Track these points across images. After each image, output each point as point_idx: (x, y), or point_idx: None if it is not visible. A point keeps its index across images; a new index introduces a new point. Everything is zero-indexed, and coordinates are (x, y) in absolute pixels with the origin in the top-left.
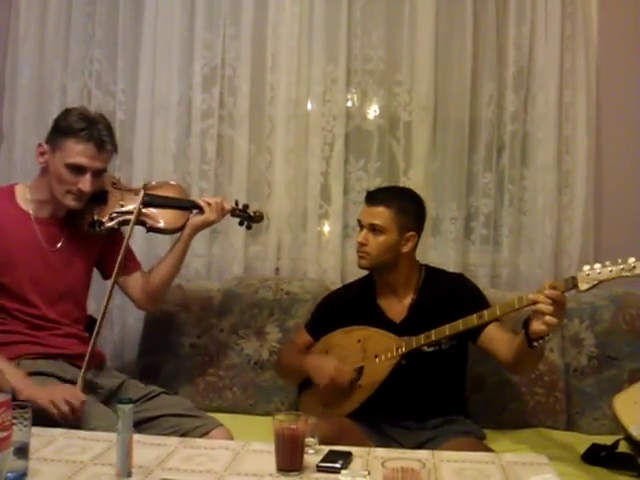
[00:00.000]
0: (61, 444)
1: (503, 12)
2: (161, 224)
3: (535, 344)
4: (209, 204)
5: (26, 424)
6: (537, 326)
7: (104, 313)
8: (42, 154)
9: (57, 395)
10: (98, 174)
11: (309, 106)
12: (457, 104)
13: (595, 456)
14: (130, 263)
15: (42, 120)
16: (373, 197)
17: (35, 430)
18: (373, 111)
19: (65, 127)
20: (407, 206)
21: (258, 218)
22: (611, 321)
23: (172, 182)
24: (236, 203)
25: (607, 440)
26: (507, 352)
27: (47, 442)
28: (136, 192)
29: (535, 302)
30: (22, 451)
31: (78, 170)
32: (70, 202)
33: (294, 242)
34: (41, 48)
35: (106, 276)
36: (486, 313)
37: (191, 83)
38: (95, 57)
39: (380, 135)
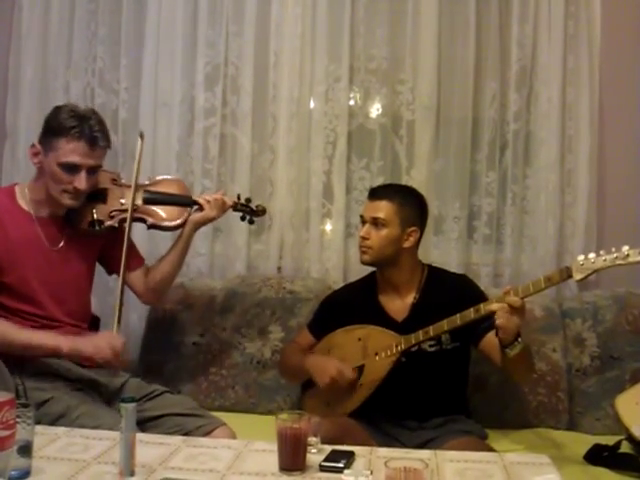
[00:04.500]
0: (64, 442)
1: (506, 11)
2: (161, 221)
3: (507, 350)
4: (208, 201)
5: (29, 422)
6: (498, 332)
7: (120, 306)
8: (35, 154)
9: (99, 342)
10: (93, 171)
11: (312, 105)
12: (460, 103)
13: (597, 456)
14: (133, 259)
15: None
16: (376, 192)
17: (38, 428)
18: (376, 110)
19: (56, 126)
20: (409, 201)
21: (261, 212)
22: (613, 321)
23: (172, 177)
24: (238, 197)
25: (609, 440)
26: (499, 360)
27: (50, 440)
28: (136, 189)
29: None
30: (25, 449)
31: (72, 169)
32: (67, 201)
33: (297, 241)
34: (44, 46)
35: (109, 270)
36: (482, 307)
37: (194, 81)
38: (98, 55)
39: (383, 134)
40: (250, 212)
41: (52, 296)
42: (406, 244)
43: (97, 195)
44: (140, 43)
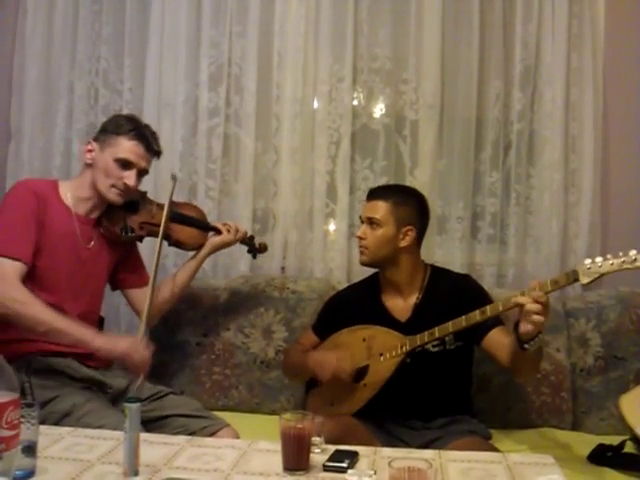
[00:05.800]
0: (68, 442)
1: (510, 10)
2: (185, 239)
3: (526, 346)
4: (228, 228)
5: (34, 422)
6: (524, 326)
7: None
8: (90, 151)
9: (133, 345)
10: (142, 174)
11: (315, 105)
12: (464, 102)
13: (601, 456)
14: (142, 276)
15: (50, 119)
16: (372, 193)
17: (43, 428)
18: (379, 110)
19: (116, 127)
20: (405, 200)
21: (263, 249)
22: (617, 321)
23: (192, 203)
24: (245, 233)
25: (613, 440)
26: (506, 357)
27: (55, 440)
28: (166, 223)
29: (522, 304)
30: (30, 449)
31: (126, 165)
32: (113, 196)
33: (300, 241)
34: (48, 47)
35: (114, 286)
36: (488, 309)
37: (197, 81)
38: (102, 55)
39: (386, 134)
40: (253, 248)
41: (72, 292)
42: (402, 243)
43: (131, 205)
44: (144, 43)
